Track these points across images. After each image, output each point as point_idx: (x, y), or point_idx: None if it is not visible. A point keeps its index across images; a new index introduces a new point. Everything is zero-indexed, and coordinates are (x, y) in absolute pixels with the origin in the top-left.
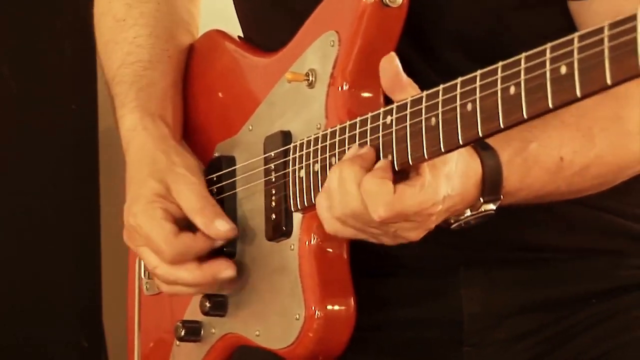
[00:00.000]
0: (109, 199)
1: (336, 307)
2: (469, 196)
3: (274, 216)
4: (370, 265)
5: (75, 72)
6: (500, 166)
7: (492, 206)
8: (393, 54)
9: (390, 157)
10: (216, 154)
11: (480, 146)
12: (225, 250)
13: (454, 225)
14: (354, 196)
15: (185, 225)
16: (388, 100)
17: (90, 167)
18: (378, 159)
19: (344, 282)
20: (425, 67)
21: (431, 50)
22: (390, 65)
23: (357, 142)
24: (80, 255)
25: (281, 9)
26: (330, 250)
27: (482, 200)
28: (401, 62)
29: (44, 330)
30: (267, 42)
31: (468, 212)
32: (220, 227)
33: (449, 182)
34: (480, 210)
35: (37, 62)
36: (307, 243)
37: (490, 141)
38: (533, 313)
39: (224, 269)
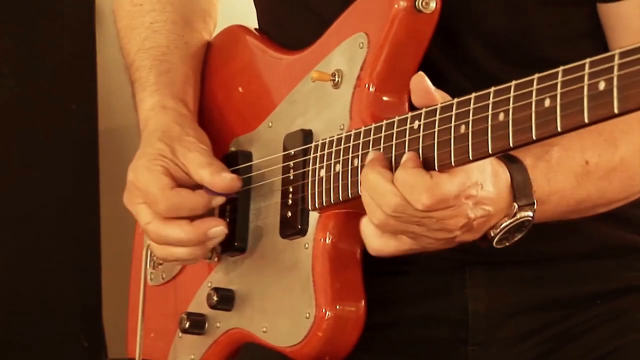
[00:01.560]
0: (109, 199)
1: (347, 308)
2: (502, 199)
3: (289, 214)
4: (376, 264)
5: (75, 72)
6: (526, 169)
7: (529, 213)
8: (422, 73)
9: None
10: (232, 149)
11: (503, 155)
12: (235, 245)
13: (495, 240)
14: (392, 192)
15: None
16: (413, 107)
17: (90, 167)
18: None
19: (355, 284)
20: (453, 70)
21: (459, 52)
22: (421, 85)
23: (370, 147)
24: (80, 255)
25: (299, 6)
26: (345, 251)
27: (516, 205)
28: (429, 65)
29: (44, 330)
30: (283, 39)
31: (506, 222)
32: (227, 176)
33: (481, 173)
34: (517, 217)
35: (37, 62)
36: (322, 242)
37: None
38: (538, 312)
39: (215, 225)
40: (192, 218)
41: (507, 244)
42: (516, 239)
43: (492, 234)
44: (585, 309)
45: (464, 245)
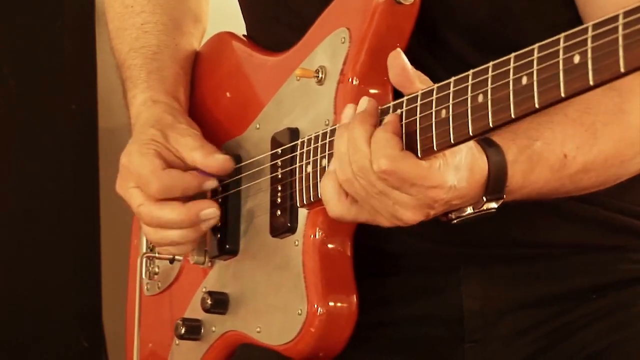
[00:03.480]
0: (109, 199)
1: (339, 304)
2: (472, 193)
3: (279, 212)
4: (371, 264)
5: (75, 72)
6: (506, 165)
7: (494, 205)
8: (399, 49)
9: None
10: (223, 152)
11: (487, 143)
12: (227, 248)
13: (455, 221)
14: (364, 154)
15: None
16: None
17: (90, 167)
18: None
19: (346, 279)
20: (433, 62)
21: (438, 43)
22: (397, 61)
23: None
24: (80, 255)
25: (279, 6)
26: (334, 246)
27: (485, 198)
28: (409, 58)
29: (44, 330)
30: (269, 42)
31: (470, 210)
32: (220, 157)
33: (457, 172)
34: (482, 208)
35: (37, 62)
36: (312, 238)
37: (496, 138)
38: (534, 308)
39: (208, 206)
40: (184, 200)
41: (465, 222)
42: (471, 219)
43: (453, 216)
44: (581, 303)
45: (457, 241)
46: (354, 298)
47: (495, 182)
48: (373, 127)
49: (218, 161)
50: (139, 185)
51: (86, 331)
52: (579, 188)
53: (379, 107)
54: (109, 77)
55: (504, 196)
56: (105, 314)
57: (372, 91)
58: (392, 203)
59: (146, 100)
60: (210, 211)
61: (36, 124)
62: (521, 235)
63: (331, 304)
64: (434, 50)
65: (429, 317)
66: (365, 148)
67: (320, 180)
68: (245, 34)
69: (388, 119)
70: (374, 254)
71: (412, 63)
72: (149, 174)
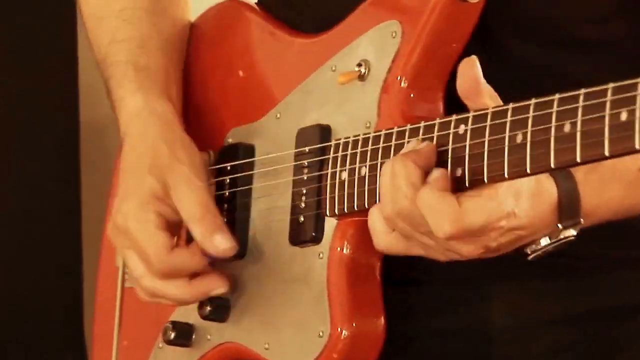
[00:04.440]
0: (90, 195)
1: (365, 327)
2: (541, 222)
3: (302, 219)
4: (395, 272)
5: (56, 63)
6: (576, 186)
7: (572, 232)
8: (474, 58)
9: (459, 171)
10: (230, 140)
11: None
12: None
13: (530, 256)
14: (405, 194)
15: (178, 229)
16: (448, 110)
17: (72, 161)
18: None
19: (375, 299)
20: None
21: (495, 40)
22: (471, 71)
23: (419, 137)
24: (61, 252)
25: None
26: (364, 263)
27: (560, 226)
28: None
29: (24, 333)
30: (290, 19)
31: (546, 241)
32: (219, 244)
33: (517, 200)
34: (560, 237)
35: (17, 54)
36: (339, 251)
37: None
38: (571, 326)
39: (217, 287)
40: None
41: (542, 256)
42: (550, 250)
43: (529, 251)
44: (624, 322)
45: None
46: (382, 320)
47: (569, 206)
48: (417, 167)
49: (216, 248)
50: (140, 257)
51: (67, 335)
52: None
53: (438, 120)
54: (91, 66)
55: (581, 221)
56: (87, 319)
57: (422, 97)
58: (450, 245)
59: (140, 107)
60: (220, 291)
61: (16, 117)
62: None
63: (357, 326)
64: (491, 53)
65: (455, 332)
66: (404, 187)
67: (357, 190)
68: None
69: (437, 175)
70: (399, 263)
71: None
72: (152, 255)
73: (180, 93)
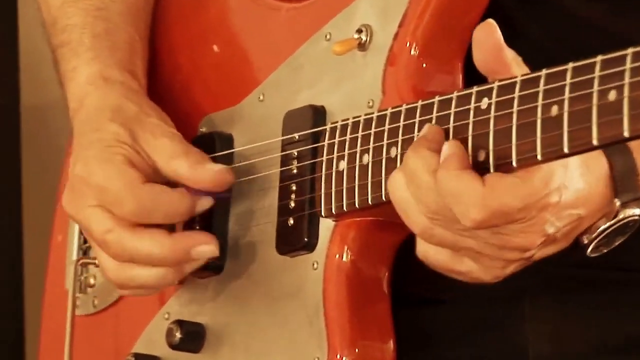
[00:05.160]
0: (32, 187)
1: (370, 353)
2: (596, 196)
3: (291, 221)
4: (408, 290)
5: None
6: (630, 152)
7: (635, 210)
8: (491, 21)
9: (482, 154)
10: (203, 129)
11: None
12: (209, 263)
13: (590, 247)
14: (429, 186)
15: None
16: (470, 82)
17: (12, 148)
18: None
19: (382, 318)
20: (527, 18)
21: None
22: (489, 37)
23: (433, 114)
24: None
25: None
26: (369, 273)
27: (618, 202)
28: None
29: None
30: None
31: (604, 224)
32: (213, 167)
33: (566, 170)
34: (619, 217)
35: None
36: (337, 260)
37: None
38: (621, 354)
39: (204, 242)
40: (168, 228)
41: (605, 251)
42: (617, 243)
43: (586, 241)
44: None
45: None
46: (391, 345)
47: (623, 175)
48: (434, 153)
49: (210, 173)
50: (105, 203)
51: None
52: None
53: (455, 93)
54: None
55: None
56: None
57: (435, 67)
58: (496, 236)
59: (94, 76)
60: (206, 249)
61: None
62: (611, 253)
63: (360, 353)
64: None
65: None
66: (427, 179)
67: (358, 182)
68: None
69: (447, 151)
70: (415, 278)
71: (494, 18)
72: (123, 189)
73: (145, 70)
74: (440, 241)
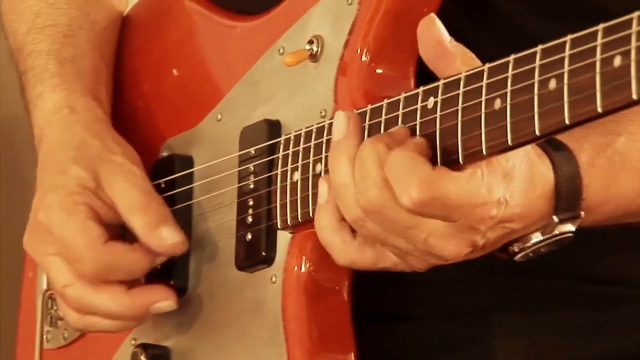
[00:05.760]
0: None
1: None
2: (535, 212)
3: (249, 236)
4: (374, 304)
5: None
6: (579, 170)
7: (570, 227)
8: (432, 15)
9: (430, 152)
10: (164, 153)
11: (550, 144)
12: (171, 285)
13: (518, 256)
14: (375, 181)
15: (117, 234)
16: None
17: None
18: None
19: (342, 330)
20: (478, 30)
21: (485, 6)
22: (430, 30)
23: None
24: None
25: None
26: (327, 284)
27: (556, 219)
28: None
29: None
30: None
31: (537, 237)
32: (167, 235)
33: (507, 184)
34: (554, 233)
35: None
36: (296, 272)
37: (562, 137)
38: None
39: (162, 299)
40: (128, 283)
41: (532, 256)
42: (542, 251)
43: (517, 249)
44: None
45: (492, 272)
46: (352, 357)
47: (567, 194)
48: (386, 147)
49: (164, 243)
50: (66, 257)
51: None
52: None
53: (403, 95)
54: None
55: (581, 214)
56: None
57: (387, 72)
58: (425, 237)
59: (59, 105)
60: (165, 305)
61: None
62: (588, 265)
63: None
64: (477, 14)
65: None
66: (374, 173)
67: (312, 191)
68: None
69: (413, 140)
70: (379, 293)
71: (448, 30)
72: (84, 248)
73: (110, 96)
74: (370, 233)
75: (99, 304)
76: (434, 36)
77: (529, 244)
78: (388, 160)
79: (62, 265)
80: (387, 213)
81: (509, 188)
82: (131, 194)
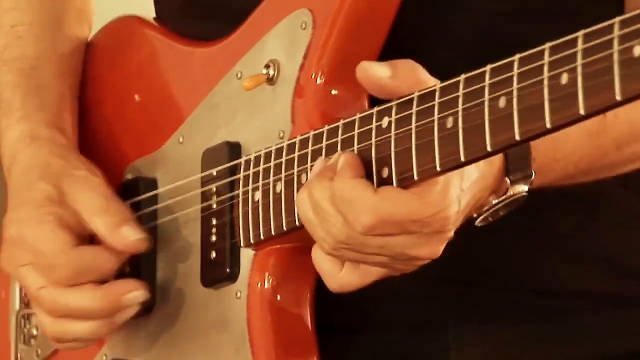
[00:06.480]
0: None
1: None
2: (490, 179)
3: (214, 254)
4: (331, 318)
5: None
6: None
7: (523, 187)
8: (363, 63)
9: (386, 170)
10: (128, 176)
11: None
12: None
13: (478, 221)
14: (334, 217)
15: (86, 241)
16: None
17: None
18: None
19: (306, 341)
20: (431, 50)
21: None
22: (367, 77)
23: (323, 156)
24: None
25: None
26: (290, 298)
27: (509, 180)
28: (397, 48)
29: None
30: (193, 32)
31: (493, 200)
32: (129, 233)
33: (461, 172)
34: (508, 194)
35: None
36: (259, 287)
37: None
38: None
39: (133, 289)
40: (98, 281)
41: (491, 220)
42: (501, 214)
43: (475, 214)
44: None
45: (444, 279)
46: None
47: (517, 156)
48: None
49: (125, 241)
50: (39, 264)
51: None
52: (628, 159)
53: (360, 113)
54: None
55: (533, 173)
56: None
57: (341, 93)
58: (399, 250)
59: (23, 135)
60: (136, 295)
61: None
62: (542, 277)
63: None
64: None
65: None
66: (331, 210)
67: (273, 209)
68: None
69: (341, 162)
70: (335, 302)
71: (399, 52)
72: (55, 255)
73: (76, 122)
74: (350, 258)
75: (72, 302)
76: (374, 80)
77: (485, 209)
78: (332, 194)
79: (36, 271)
80: (356, 241)
81: (462, 177)
82: (92, 199)
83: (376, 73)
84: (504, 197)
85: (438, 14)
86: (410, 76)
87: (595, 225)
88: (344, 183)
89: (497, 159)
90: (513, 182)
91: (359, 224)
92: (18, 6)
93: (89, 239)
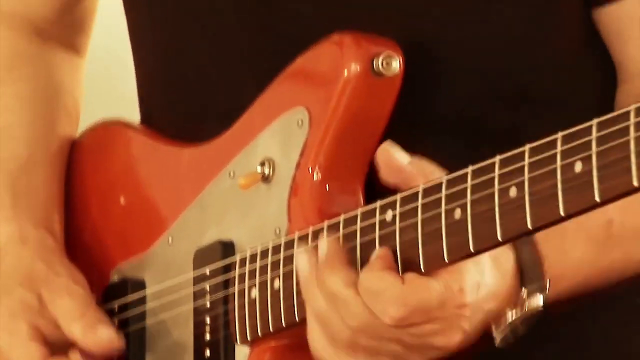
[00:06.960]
0: None
1: None
2: (505, 289)
3: (208, 353)
4: None
5: None
6: (535, 243)
7: (539, 300)
8: (388, 144)
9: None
10: (115, 278)
11: None
12: None
13: (498, 339)
14: (356, 303)
15: (62, 351)
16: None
17: None
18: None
19: None
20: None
21: (426, 135)
22: (388, 160)
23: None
24: None
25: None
26: None
27: (525, 291)
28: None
29: None
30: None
31: (511, 315)
32: (102, 334)
33: (477, 265)
34: (525, 307)
35: None
36: None
37: None
38: None
39: None
40: None
41: (511, 338)
42: (521, 334)
43: (494, 334)
44: None
45: None
46: None
47: (529, 265)
48: (349, 267)
49: (100, 340)
50: None
51: None
52: (636, 263)
53: (360, 210)
54: None
55: (548, 284)
56: None
57: (338, 189)
58: (417, 340)
59: (12, 236)
60: None
61: None
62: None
63: None
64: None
65: None
66: (351, 295)
67: (271, 306)
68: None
69: (374, 255)
70: None
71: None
72: None
73: (62, 222)
74: (366, 348)
75: None
76: (394, 164)
77: (506, 325)
78: (360, 284)
79: None
80: (377, 328)
81: (478, 271)
82: (70, 305)
83: (399, 157)
84: (522, 312)
85: (422, 94)
86: (426, 167)
87: None
88: (371, 273)
89: (512, 272)
90: (529, 294)
91: (388, 316)
92: (10, 106)
93: (68, 347)
